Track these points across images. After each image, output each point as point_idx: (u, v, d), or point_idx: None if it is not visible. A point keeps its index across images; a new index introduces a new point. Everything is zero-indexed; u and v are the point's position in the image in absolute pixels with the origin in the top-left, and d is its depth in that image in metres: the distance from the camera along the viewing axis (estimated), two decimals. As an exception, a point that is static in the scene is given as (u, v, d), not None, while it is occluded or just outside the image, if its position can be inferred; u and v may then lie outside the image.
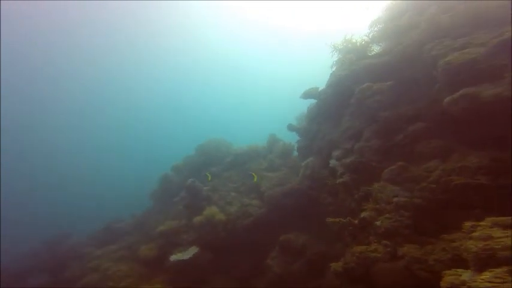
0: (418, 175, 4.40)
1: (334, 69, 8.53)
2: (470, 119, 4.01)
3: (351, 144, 6.27)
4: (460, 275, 2.23)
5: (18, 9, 30.40)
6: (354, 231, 4.92)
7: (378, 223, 4.38)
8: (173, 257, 7.87)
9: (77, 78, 44.92)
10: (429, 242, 3.67)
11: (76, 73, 44.24)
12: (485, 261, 2.13)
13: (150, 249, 8.82)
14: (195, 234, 8.54)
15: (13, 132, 42.89)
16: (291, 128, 10.23)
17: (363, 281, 4.07)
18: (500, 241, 2.23)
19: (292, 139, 11.18)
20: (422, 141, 4.84)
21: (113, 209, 16.22)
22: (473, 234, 2.40)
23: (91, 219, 15.24)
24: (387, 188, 4.72)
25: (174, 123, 58.24)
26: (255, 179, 9.05)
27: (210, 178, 9.76)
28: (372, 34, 7.73)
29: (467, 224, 2.63)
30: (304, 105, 10.57)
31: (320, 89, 8.87)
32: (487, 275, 2.07)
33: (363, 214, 4.75)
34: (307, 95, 9.21)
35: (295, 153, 10.78)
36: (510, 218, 2.46)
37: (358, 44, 7.95)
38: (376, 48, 7.88)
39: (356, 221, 4.86)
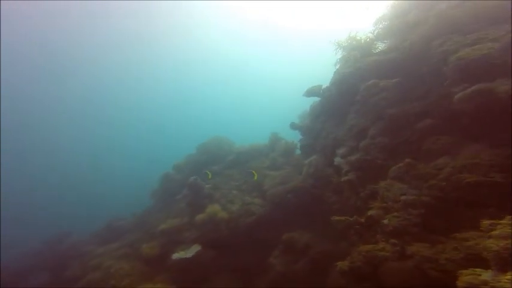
0: (426, 173, 4.31)
1: (338, 66, 8.46)
2: (482, 116, 3.92)
3: (356, 142, 6.19)
4: (479, 275, 2.15)
5: (18, 9, 30.31)
6: (360, 230, 4.84)
7: (386, 221, 4.30)
8: (175, 255, 7.80)
9: (77, 77, 44.76)
10: (439, 240, 3.58)
11: (77, 73, 44.09)
12: (508, 260, 2.04)
13: (152, 248, 8.74)
14: (197, 232, 8.46)
15: (13, 131, 42.80)
16: (293, 126, 10.11)
17: (370, 279, 3.99)
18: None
19: (293, 138, 11.11)
20: (431, 138, 4.75)
21: (114, 209, 16.11)
22: (493, 233, 2.31)
23: (92, 219, 15.13)
24: (394, 186, 4.63)
25: (176, 123, 58.16)
26: (255, 177, 8.97)
27: (210, 176, 9.63)
28: (376, 31, 7.66)
29: (486, 222, 2.55)
30: (306, 104, 10.50)
31: (323, 87, 8.80)
32: (512, 275, 1.98)
33: (370, 212, 4.67)
34: (310, 93, 9.12)
35: (298, 151, 10.70)
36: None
37: (362, 41, 7.89)
38: (380, 46, 7.81)
39: (363, 220, 4.78)
